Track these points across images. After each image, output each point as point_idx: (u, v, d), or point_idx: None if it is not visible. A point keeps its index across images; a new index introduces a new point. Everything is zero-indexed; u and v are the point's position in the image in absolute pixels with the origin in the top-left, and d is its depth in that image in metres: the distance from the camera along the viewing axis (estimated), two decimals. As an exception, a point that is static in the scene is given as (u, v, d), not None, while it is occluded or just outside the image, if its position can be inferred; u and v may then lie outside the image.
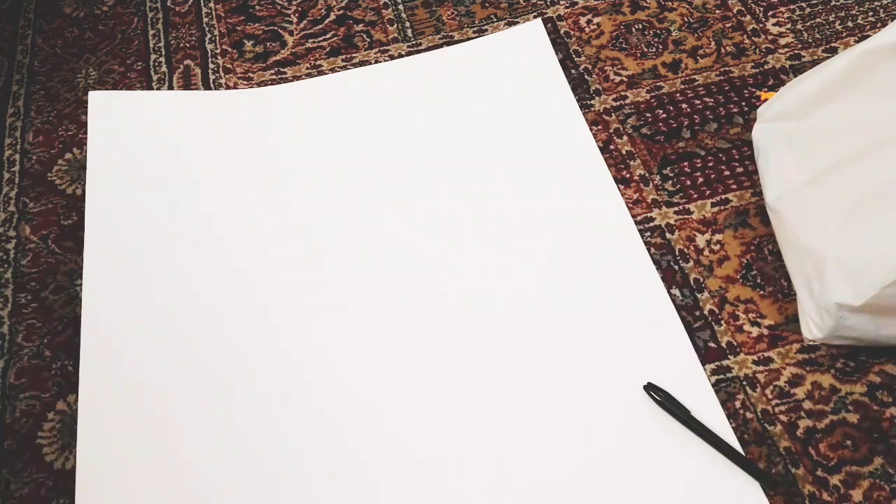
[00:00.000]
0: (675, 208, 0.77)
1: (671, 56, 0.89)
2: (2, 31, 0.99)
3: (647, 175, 0.80)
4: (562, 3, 0.95)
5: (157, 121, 0.88)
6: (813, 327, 0.66)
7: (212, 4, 1.00)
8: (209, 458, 0.65)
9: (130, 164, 0.84)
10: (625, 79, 0.88)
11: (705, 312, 0.71)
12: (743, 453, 0.63)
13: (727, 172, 0.79)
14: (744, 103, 0.84)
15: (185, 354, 0.71)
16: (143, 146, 0.85)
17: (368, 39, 0.94)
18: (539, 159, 0.81)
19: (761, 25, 0.91)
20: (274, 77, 0.92)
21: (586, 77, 0.88)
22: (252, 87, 0.91)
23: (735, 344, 0.69)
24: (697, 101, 0.85)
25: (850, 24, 0.90)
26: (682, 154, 0.81)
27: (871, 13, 0.90)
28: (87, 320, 0.73)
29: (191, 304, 0.74)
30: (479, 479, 0.63)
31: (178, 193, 0.82)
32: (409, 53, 0.92)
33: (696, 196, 0.78)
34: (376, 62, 0.92)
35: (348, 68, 0.91)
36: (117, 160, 0.84)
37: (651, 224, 0.77)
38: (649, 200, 0.78)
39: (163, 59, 0.95)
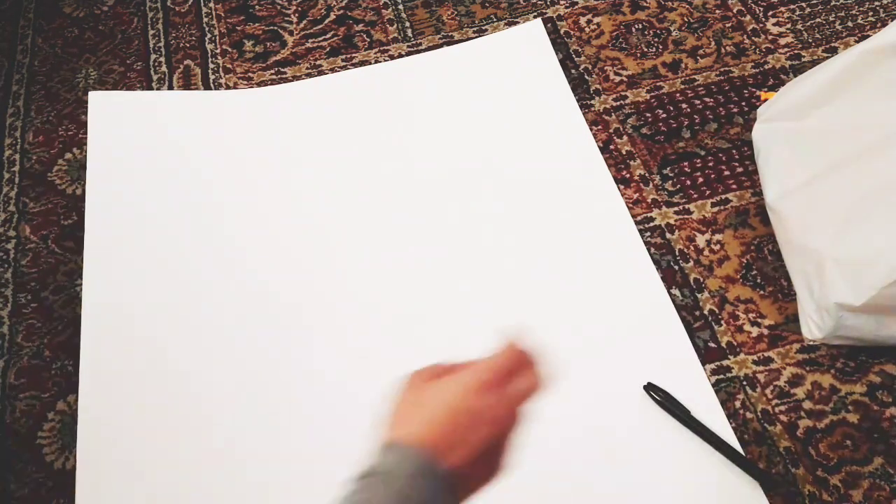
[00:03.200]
0: (675, 208, 0.77)
1: (671, 56, 0.89)
2: (2, 31, 0.99)
3: (647, 175, 0.80)
4: (562, 3, 0.95)
5: (156, 121, 0.88)
6: (813, 327, 0.66)
7: (212, 4, 1.00)
8: (209, 458, 0.65)
9: (130, 163, 0.84)
10: (625, 79, 0.88)
11: (705, 312, 0.71)
12: (743, 453, 0.63)
13: (727, 172, 0.79)
14: (744, 103, 0.84)
15: (184, 354, 0.71)
16: (142, 146, 0.85)
17: (368, 39, 0.94)
18: (539, 159, 0.81)
19: (761, 25, 0.91)
20: (274, 77, 0.91)
21: (586, 77, 0.88)
22: (252, 87, 0.91)
23: (735, 344, 0.69)
24: (697, 101, 0.85)
25: (850, 24, 0.90)
26: (682, 154, 0.81)
27: (871, 13, 0.90)
28: (87, 320, 0.73)
29: (190, 304, 0.74)
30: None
31: (177, 193, 0.81)
32: (409, 53, 0.92)
33: (696, 196, 0.78)
34: (376, 62, 0.92)
35: (348, 68, 0.91)
36: (117, 160, 0.84)
37: (651, 224, 0.77)
38: (649, 200, 0.78)
39: (163, 59, 0.95)
